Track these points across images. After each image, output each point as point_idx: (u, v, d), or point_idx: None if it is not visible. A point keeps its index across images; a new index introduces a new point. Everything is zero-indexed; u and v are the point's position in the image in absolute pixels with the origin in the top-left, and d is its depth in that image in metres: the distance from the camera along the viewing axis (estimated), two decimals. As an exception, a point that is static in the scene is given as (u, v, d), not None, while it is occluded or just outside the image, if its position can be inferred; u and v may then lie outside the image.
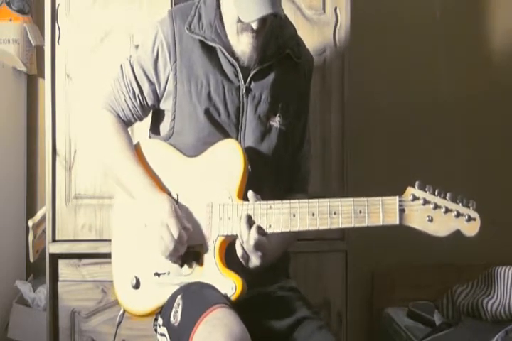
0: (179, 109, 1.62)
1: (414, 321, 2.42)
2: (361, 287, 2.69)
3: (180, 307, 1.45)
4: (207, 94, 1.60)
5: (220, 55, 1.61)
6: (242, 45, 1.58)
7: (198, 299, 1.44)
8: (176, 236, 1.49)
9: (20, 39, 2.61)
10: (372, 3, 2.67)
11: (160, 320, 1.54)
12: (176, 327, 1.43)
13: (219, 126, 1.60)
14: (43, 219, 2.39)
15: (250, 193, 1.49)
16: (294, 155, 1.72)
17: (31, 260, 2.48)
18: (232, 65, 1.60)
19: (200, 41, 1.61)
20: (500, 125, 2.79)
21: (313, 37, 2.22)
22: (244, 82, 1.61)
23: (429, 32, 2.76)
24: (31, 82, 2.75)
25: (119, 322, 1.70)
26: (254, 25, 1.53)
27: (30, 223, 2.43)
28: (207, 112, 1.59)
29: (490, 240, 2.72)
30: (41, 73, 2.54)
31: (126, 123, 1.71)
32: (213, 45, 1.60)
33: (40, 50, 2.61)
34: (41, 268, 2.34)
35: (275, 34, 1.65)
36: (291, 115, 1.67)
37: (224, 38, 1.60)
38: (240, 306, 1.43)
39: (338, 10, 2.23)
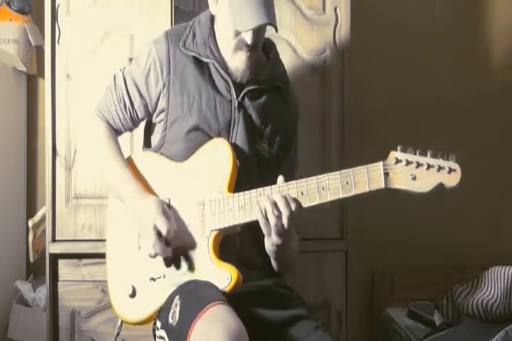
0: (171, 120, 1.66)
1: (414, 321, 2.42)
2: (361, 287, 2.68)
3: (178, 307, 1.46)
4: (198, 107, 1.63)
5: (213, 71, 1.65)
6: (237, 61, 1.62)
7: (195, 297, 1.44)
8: (164, 233, 1.52)
9: (20, 39, 2.61)
10: (372, 3, 2.67)
11: (158, 323, 1.55)
12: (174, 326, 1.44)
13: (209, 138, 1.63)
14: (43, 219, 2.39)
15: (280, 178, 1.48)
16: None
17: (31, 260, 2.49)
18: (225, 81, 1.64)
19: (194, 58, 1.65)
20: (500, 125, 2.79)
21: (313, 37, 2.23)
22: (237, 97, 1.64)
23: (429, 32, 2.76)
24: (31, 82, 2.75)
25: (118, 334, 1.72)
26: (249, 39, 1.56)
27: (30, 223, 2.43)
28: (197, 124, 1.63)
29: (490, 240, 2.74)
30: (41, 73, 2.54)
31: (117, 132, 1.75)
32: (207, 60, 1.64)
33: (40, 50, 2.61)
34: (41, 268, 2.34)
35: (269, 65, 1.70)
36: (277, 146, 1.70)
37: (217, 54, 1.64)
38: (236, 298, 1.45)
39: (338, 10, 2.23)
